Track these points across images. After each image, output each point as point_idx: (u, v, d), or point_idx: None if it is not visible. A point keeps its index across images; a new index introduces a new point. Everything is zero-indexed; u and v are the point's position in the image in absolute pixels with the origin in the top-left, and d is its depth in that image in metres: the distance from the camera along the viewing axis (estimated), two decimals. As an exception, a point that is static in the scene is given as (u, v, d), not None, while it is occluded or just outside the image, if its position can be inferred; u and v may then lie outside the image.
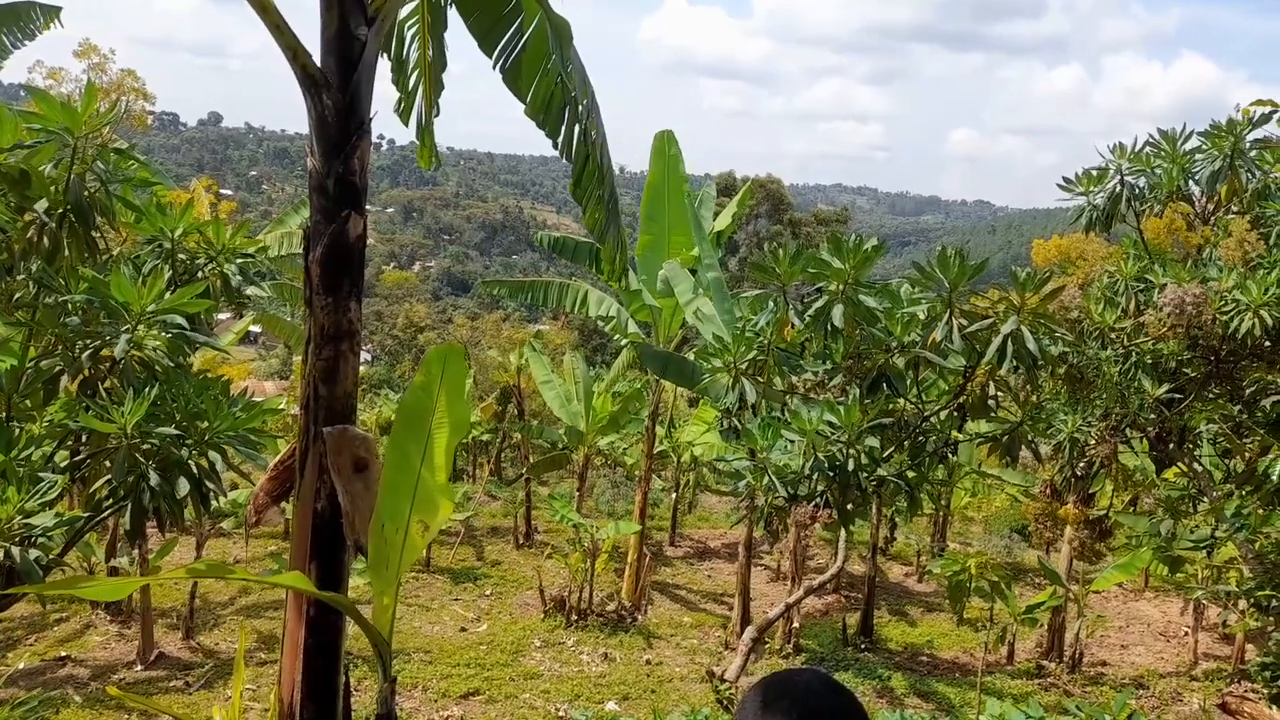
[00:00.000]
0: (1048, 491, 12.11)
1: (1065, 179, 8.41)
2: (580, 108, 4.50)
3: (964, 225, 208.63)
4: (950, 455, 7.24)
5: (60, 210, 4.52)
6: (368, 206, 4.26)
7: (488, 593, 13.92)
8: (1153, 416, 8.02)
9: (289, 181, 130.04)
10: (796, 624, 11.55)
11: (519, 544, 16.77)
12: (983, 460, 14.75)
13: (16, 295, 4.82)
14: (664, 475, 19.99)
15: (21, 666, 9.89)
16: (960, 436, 7.26)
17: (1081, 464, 8.57)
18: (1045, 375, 7.87)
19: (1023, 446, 7.07)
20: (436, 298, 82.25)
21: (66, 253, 4.68)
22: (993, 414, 7.01)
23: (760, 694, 1.25)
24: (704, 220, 14.44)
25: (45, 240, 4.63)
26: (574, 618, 12.36)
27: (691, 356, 12.33)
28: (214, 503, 4.39)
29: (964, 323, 6.64)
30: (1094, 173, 8.33)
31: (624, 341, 15.19)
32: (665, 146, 14.32)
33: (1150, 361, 7.94)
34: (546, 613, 12.59)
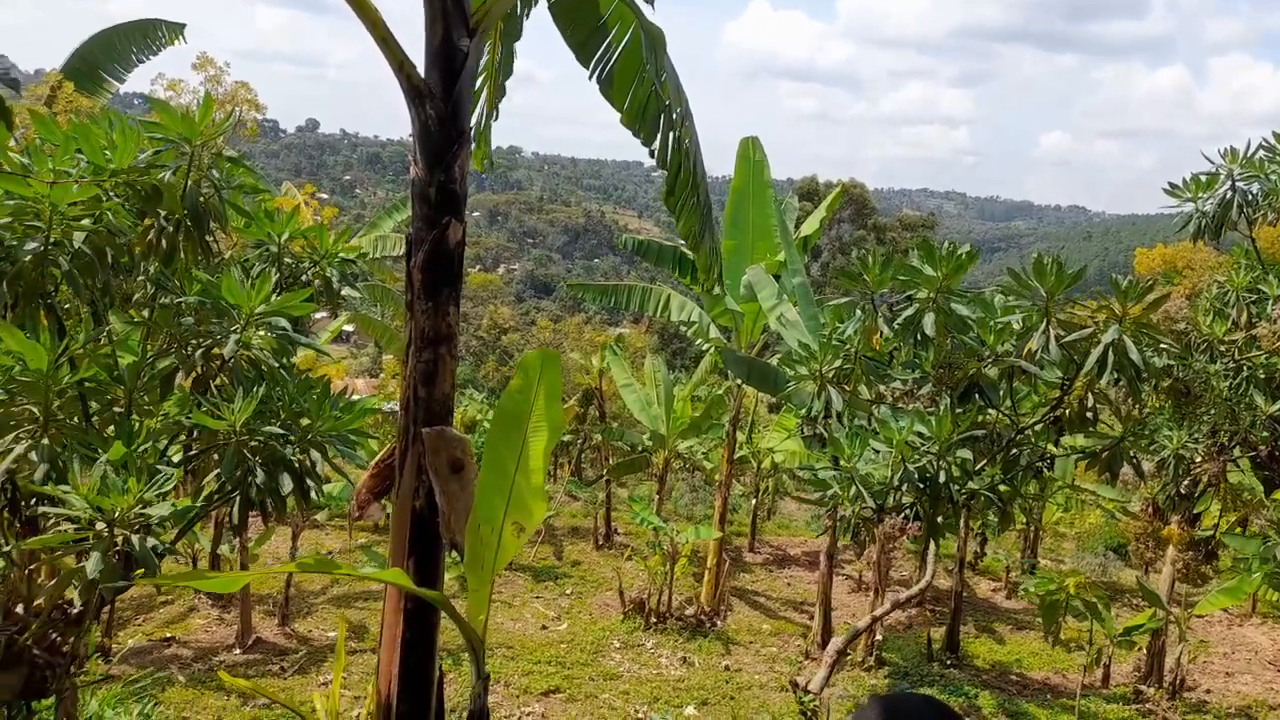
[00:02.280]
0: (1150, 510, 11.61)
1: (1171, 184, 8.06)
2: (675, 115, 4.52)
3: (1057, 231, 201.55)
4: (1045, 470, 7.01)
5: (178, 216, 4.76)
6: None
7: (568, 592, 14.06)
8: (1265, 434, 7.62)
9: (380, 185, 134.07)
10: (879, 636, 11.33)
11: (599, 545, 16.89)
12: (1079, 476, 14.23)
13: (135, 296, 5.11)
14: (743, 481, 19.86)
15: (131, 645, 10.43)
16: (1056, 451, 7.04)
17: (1186, 482, 8.21)
18: (1148, 388, 7.57)
19: (1124, 462, 6.81)
20: (520, 300, 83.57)
21: (182, 256, 4.92)
22: (1091, 428, 6.78)
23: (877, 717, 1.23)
24: (789, 225, 14.31)
25: (163, 243, 4.87)
26: (653, 620, 12.38)
27: (775, 362, 12.24)
28: (313, 497, 4.58)
29: (1061, 332, 6.44)
30: (1203, 178, 7.95)
31: (706, 346, 15.16)
32: (750, 152, 14.24)
33: (1263, 376, 7.55)
34: (626, 614, 12.64)
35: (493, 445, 3.33)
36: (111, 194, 4.30)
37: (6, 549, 3.89)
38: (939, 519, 6.07)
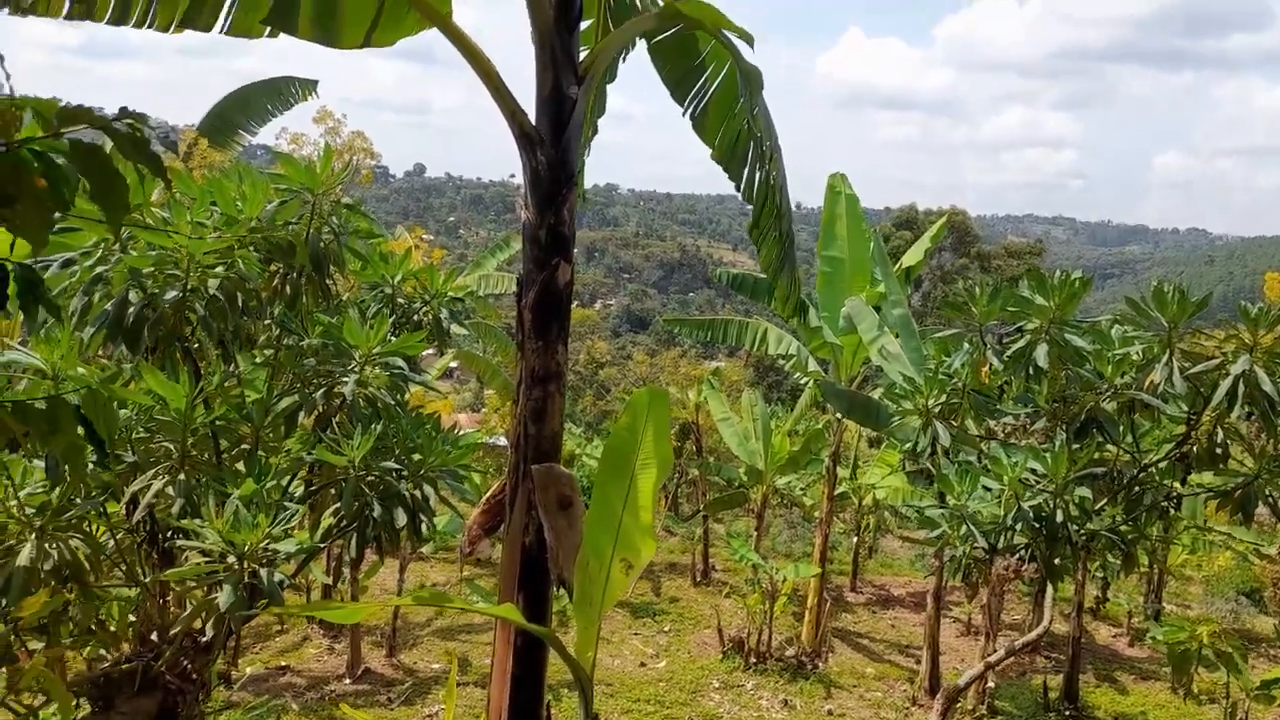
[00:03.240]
0: (1288, 553, 10.81)
1: (1305, 206, 7.59)
2: (764, 149, 4.54)
3: (1176, 255, 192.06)
4: (1172, 510, 6.63)
5: (301, 262, 5.03)
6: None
7: (666, 629, 13.97)
8: None
9: (483, 225, 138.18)
10: (992, 684, 10.85)
11: (696, 581, 16.75)
12: (1209, 516, 13.38)
13: (261, 338, 5.40)
14: (844, 518, 19.43)
15: (249, 673, 10.86)
16: (1183, 490, 6.65)
17: (1331, 523, 7.62)
18: (1285, 423, 7.10)
19: (1259, 502, 6.38)
20: (616, 334, 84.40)
21: (304, 299, 5.19)
22: (1222, 465, 6.39)
23: None
24: (885, 256, 14.09)
25: (287, 288, 5.15)
26: (752, 660, 12.18)
27: (877, 396, 11.99)
28: (425, 531, 4.72)
29: (1186, 364, 6.12)
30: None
31: (804, 380, 14.98)
32: (839, 186, 14.15)
33: None
34: (725, 653, 12.48)
35: (601, 483, 3.37)
36: (243, 244, 4.57)
37: (145, 579, 4.13)
38: (1056, 560, 5.80)
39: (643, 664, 12.35)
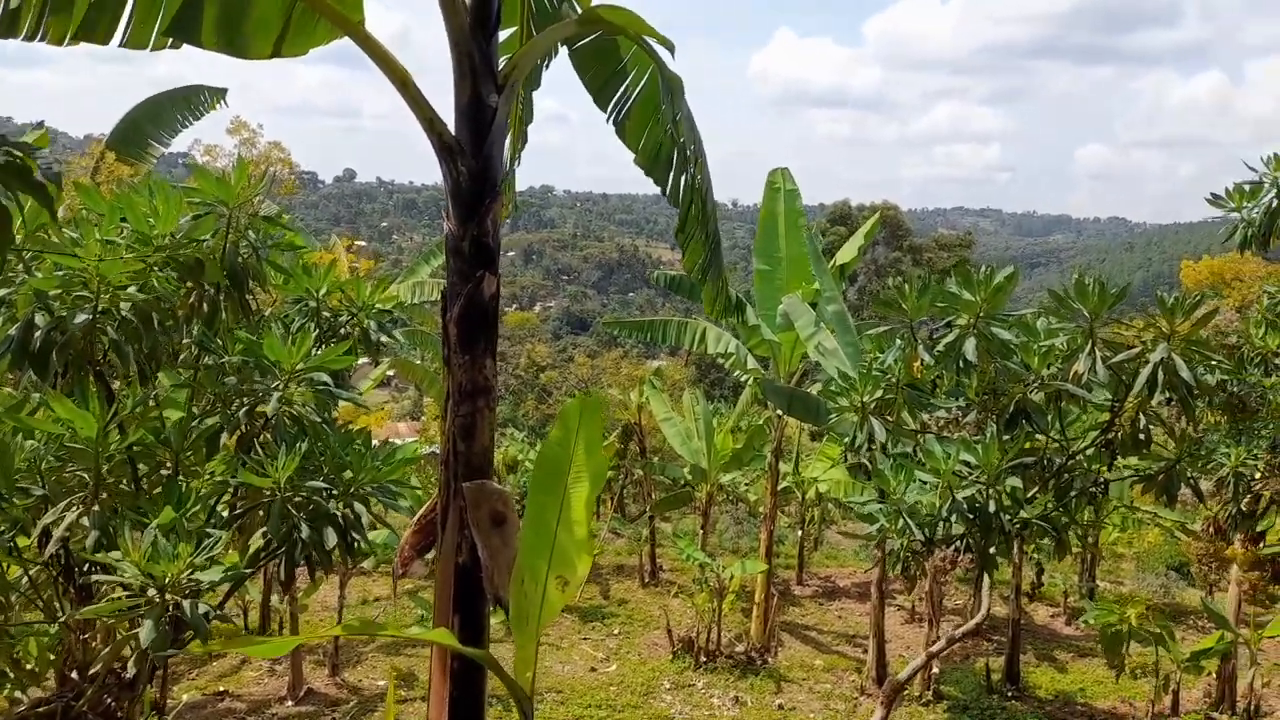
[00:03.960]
0: (1211, 529, 11.23)
1: (1214, 195, 7.88)
2: (688, 153, 4.53)
3: (1098, 244, 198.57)
4: (1100, 495, 6.81)
5: (214, 279, 4.85)
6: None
7: (615, 632, 13.94)
8: (1330, 448, 7.35)
9: (417, 230, 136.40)
10: (937, 669, 11.06)
11: (644, 582, 16.75)
12: (1135, 498, 13.83)
13: (181, 356, 5.21)
14: (788, 511, 19.63)
15: (185, 700, 10.51)
16: (1110, 475, 6.84)
17: (1248, 499, 7.93)
18: (1202, 406, 7.34)
19: (1181, 483, 6.59)
20: (556, 337, 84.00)
21: (224, 315, 5.01)
22: (1145, 450, 6.58)
23: None
24: (820, 253, 14.26)
25: (204, 305, 4.97)
26: (703, 659, 12.21)
27: (815, 391, 12.12)
28: (358, 549, 4.59)
29: (1108, 353, 6.28)
30: (1246, 187, 7.76)
31: (744, 378, 15.08)
32: (781, 182, 14.28)
33: (1324, 388, 7.31)
34: (675, 653, 12.49)
35: (534, 498, 3.31)
36: (156, 263, 4.40)
37: (62, 617, 3.94)
38: (991, 549, 5.91)
39: (593, 668, 12.29)
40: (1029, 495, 6.21)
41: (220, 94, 10.52)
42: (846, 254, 15.28)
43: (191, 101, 10.39)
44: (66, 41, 2.99)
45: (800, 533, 18.18)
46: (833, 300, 12.70)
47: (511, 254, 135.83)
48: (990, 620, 13.84)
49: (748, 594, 14.40)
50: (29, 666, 4.04)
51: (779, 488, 14.32)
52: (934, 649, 6.85)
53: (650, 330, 15.97)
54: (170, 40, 3.26)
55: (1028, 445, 6.47)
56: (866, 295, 43.99)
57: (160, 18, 3.20)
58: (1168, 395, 6.20)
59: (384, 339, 6.06)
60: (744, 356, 14.28)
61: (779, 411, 13.22)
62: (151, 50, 3.21)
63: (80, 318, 4.28)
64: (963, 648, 13.44)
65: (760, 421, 16.94)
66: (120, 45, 3.10)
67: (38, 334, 4.26)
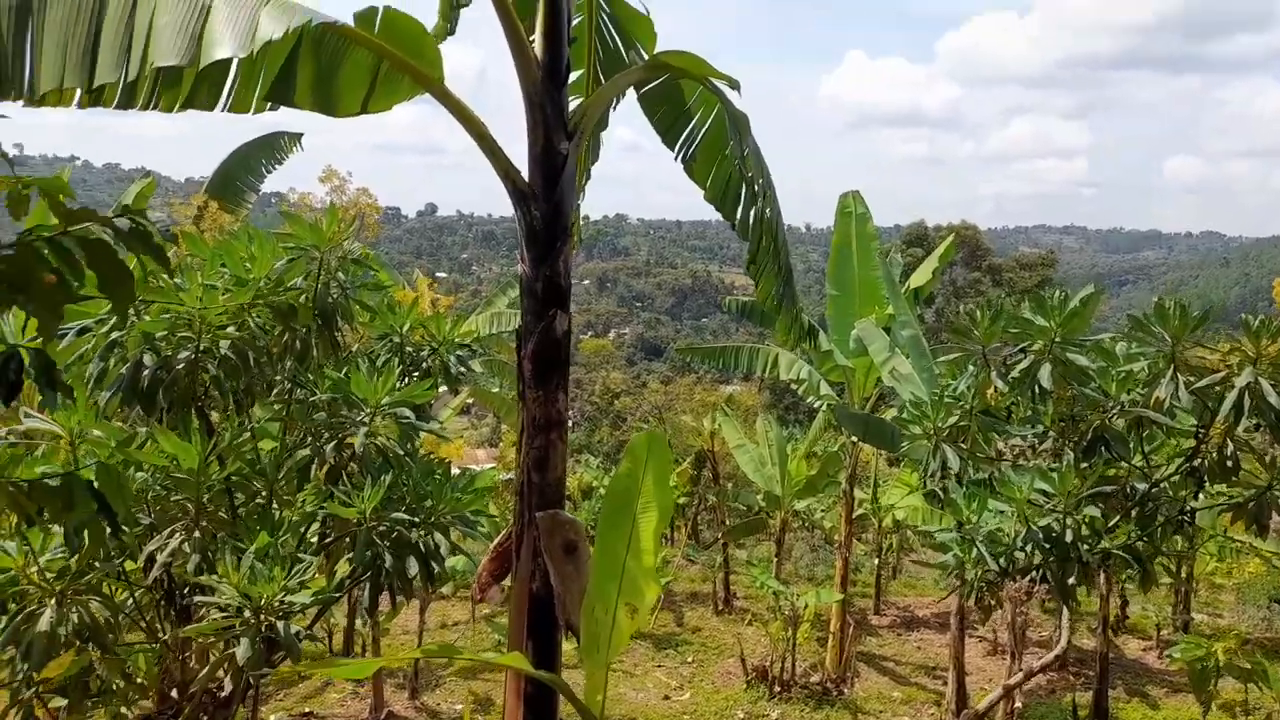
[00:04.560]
0: (1312, 560, 10.67)
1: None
2: (756, 188, 4.64)
3: (1190, 260, 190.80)
4: (1188, 523, 6.61)
5: (305, 322, 5.15)
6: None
7: (689, 660, 13.91)
8: None
9: (495, 262, 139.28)
10: (1019, 703, 10.73)
11: (718, 610, 16.68)
12: (1226, 526, 13.25)
13: (275, 391, 5.52)
14: (865, 539, 19.32)
15: (273, 719, 10.90)
16: (1198, 503, 6.62)
17: (1351, 530, 7.56)
18: (1296, 431, 7.06)
19: (1272, 512, 6.35)
20: (631, 363, 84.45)
21: (315, 353, 5.30)
22: (1234, 477, 6.37)
23: None
24: (894, 277, 14.16)
25: (297, 343, 5.27)
26: (777, 689, 12.10)
27: (890, 417, 12.00)
28: (437, 577, 4.78)
29: (1191, 378, 6.12)
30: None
31: (817, 404, 14.99)
32: (852, 206, 14.25)
33: None
34: (749, 683, 12.41)
35: (604, 528, 3.44)
36: (252, 305, 4.70)
37: (164, 636, 4.22)
38: (1069, 580, 5.78)
39: (666, 696, 12.30)
40: (1110, 525, 6.06)
41: (297, 138, 11.18)
42: (921, 277, 15.12)
43: (273, 147, 11.07)
44: (176, 109, 3.28)
45: (877, 561, 17.87)
46: (907, 324, 12.57)
47: (586, 282, 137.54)
48: (1078, 654, 13.38)
49: (823, 623, 14.23)
50: (139, 680, 4.31)
51: (855, 515, 14.16)
52: (1012, 681, 6.71)
53: (723, 356, 16.04)
54: (269, 104, 3.53)
55: (1109, 473, 6.32)
56: (944, 318, 43.10)
57: (260, 84, 3.48)
58: (1256, 421, 6.01)
59: (462, 371, 6.32)
60: (817, 382, 14.22)
61: (854, 438, 13.11)
62: (253, 113, 3.48)
63: (184, 356, 4.60)
64: (1049, 682, 13.02)
65: (835, 448, 16.78)
66: (223, 111, 3.38)
67: (145, 373, 4.61)
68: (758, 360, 15.47)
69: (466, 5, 5.18)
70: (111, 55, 2.98)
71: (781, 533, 17.16)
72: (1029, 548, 5.73)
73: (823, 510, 18.79)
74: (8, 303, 1.85)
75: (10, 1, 3.03)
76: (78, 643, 3.62)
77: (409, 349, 6.16)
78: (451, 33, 5.59)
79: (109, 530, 2.99)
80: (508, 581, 3.77)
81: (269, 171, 11.17)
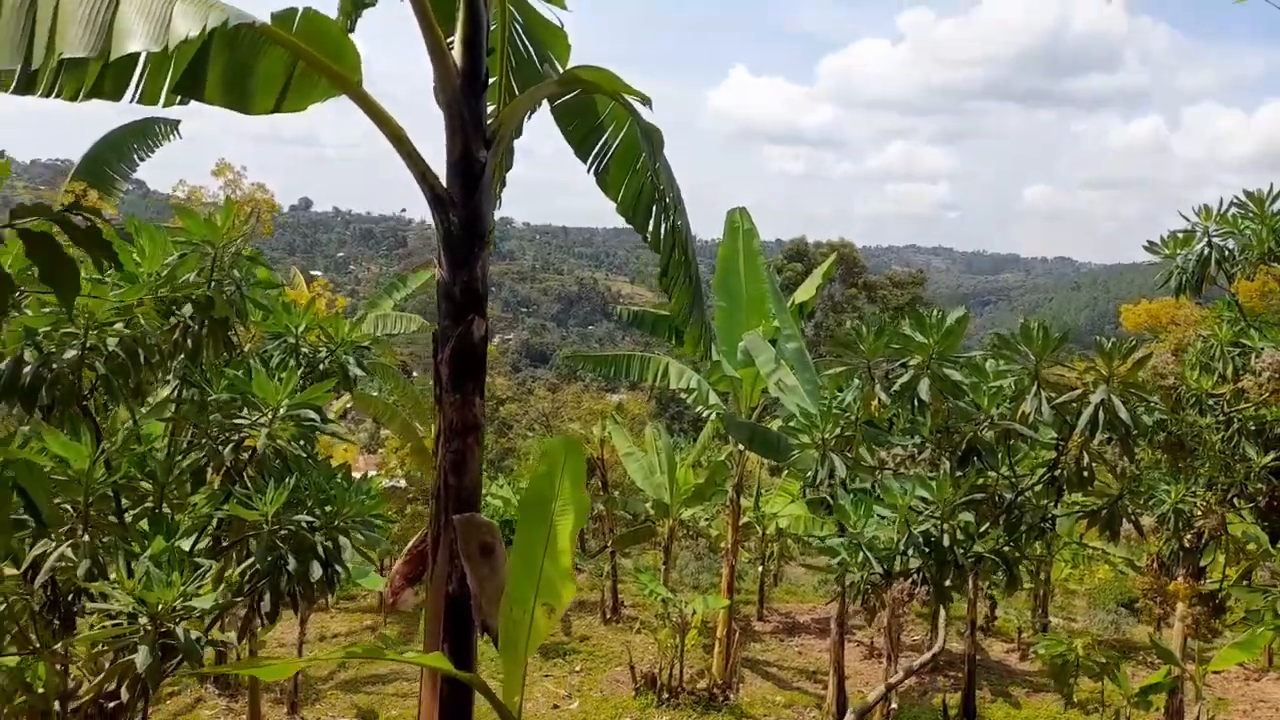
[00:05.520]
0: (1155, 565, 11.63)
1: (1150, 242, 8.35)
2: (667, 200, 4.80)
3: (1046, 283, 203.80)
4: (1049, 529, 7.14)
5: (203, 316, 4.99)
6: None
7: (577, 669, 13.96)
8: (1261, 485, 7.77)
9: (373, 261, 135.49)
10: (894, 704, 11.27)
11: (606, 618, 16.80)
12: (1083, 534, 14.29)
13: (163, 393, 5.31)
14: (748, 547, 19.83)
15: (139, 739, 10.33)
16: (1057, 511, 7.16)
17: (1189, 536, 8.31)
18: (1142, 445, 7.72)
19: (1124, 519, 6.93)
20: (516, 370, 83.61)
21: (206, 352, 5.13)
22: (1090, 486, 6.92)
23: None
24: (779, 291, 14.66)
25: (188, 342, 5.09)
26: (665, 695, 12.30)
27: (775, 426, 12.41)
28: (338, 582, 4.71)
29: (1052, 394, 6.64)
30: (1180, 235, 8.22)
31: (706, 412, 15.34)
32: (739, 222, 14.70)
33: (1254, 428, 7.74)
34: (638, 690, 12.56)
35: (522, 530, 3.49)
36: (145, 301, 4.53)
37: (50, 645, 4.01)
38: (946, 582, 6.18)
39: (555, 706, 12.31)
40: (981, 530, 6.49)
41: (174, 126, 10.74)
42: (805, 292, 15.71)
43: (147, 134, 10.61)
44: (81, 98, 3.17)
45: (761, 568, 18.37)
46: (792, 338, 13.06)
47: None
48: (947, 656, 14.13)
49: (710, 630, 14.54)
50: (39, 689, 4.04)
51: (740, 523, 14.54)
52: (893, 681, 7.08)
53: (613, 365, 16.20)
54: (179, 97, 3.44)
55: (979, 481, 6.77)
56: (823, 331, 44.61)
57: (169, 77, 3.39)
58: (1109, 435, 6.55)
59: (359, 374, 6.22)
60: (705, 392, 14.56)
61: (740, 447, 13.48)
62: (163, 106, 3.39)
63: (69, 354, 4.39)
64: (920, 684, 13.70)
65: (722, 457, 17.19)
66: (131, 102, 3.28)
67: (26, 370, 4.37)
68: (648, 369, 15.71)
69: (371, 5, 5.15)
70: (11, 42, 2.87)
71: (669, 540, 17.43)
72: (910, 551, 6.09)
73: (707, 518, 19.18)
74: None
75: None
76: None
77: (304, 350, 6.02)
78: (350, 31, 5.52)
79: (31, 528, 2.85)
80: (420, 587, 3.77)
81: (142, 159, 10.69)
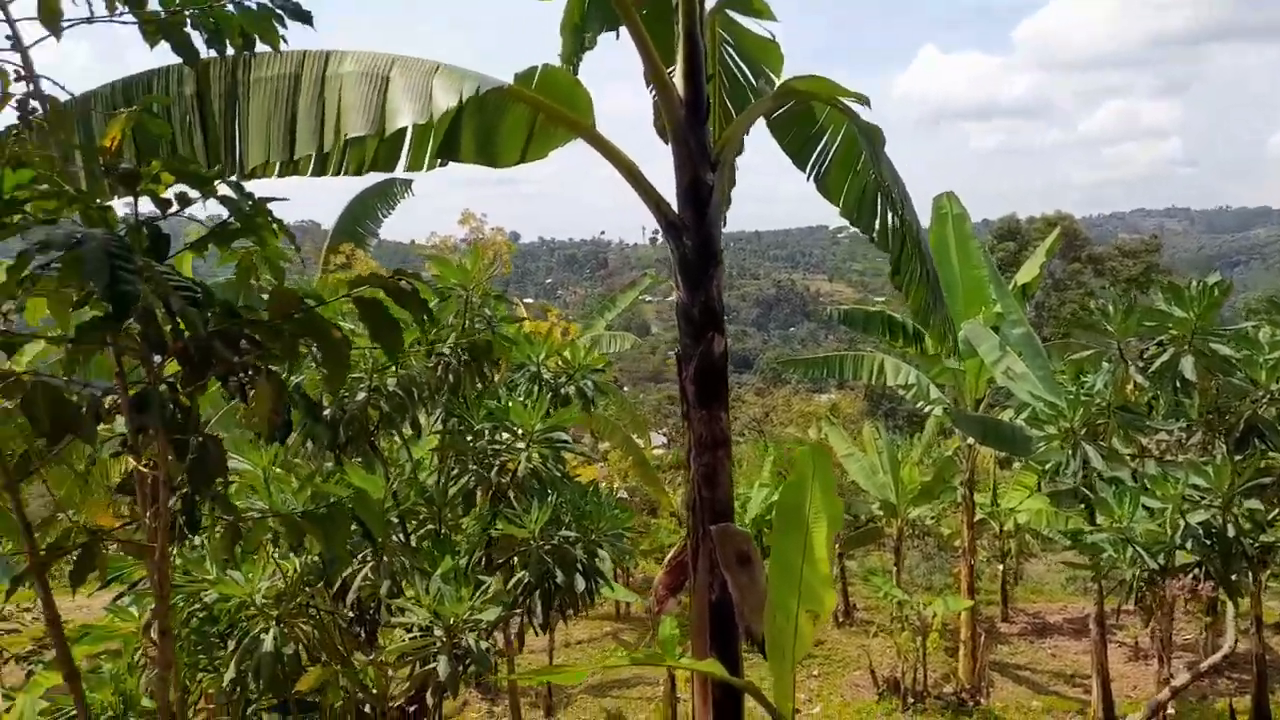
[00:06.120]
0: None
1: None
2: (893, 196, 4.72)
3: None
4: (1352, 513, 6.34)
5: (463, 354, 5.47)
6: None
7: (815, 673, 13.84)
8: None
9: (579, 284, 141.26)
10: (1172, 709, 10.34)
11: (839, 622, 16.54)
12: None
13: (433, 425, 5.86)
14: (981, 544, 18.84)
15: (419, 740, 11.34)
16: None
17: None
18: None
19: None
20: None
21: (464, 386, 5.62)
22: (1402, 463, 6.09)
23: None
24: (999, 275, 13.90)
25: (450, 377, 5.60)
26: (910, 700, 11.95)
27: (1006, 418, 11.77)
28: (599, 593, 5.00)
29: (1347, 362, 5.91)
30: None
31: (927, 408, 14.79)
32: (948, 206, 14.09)
33: None
34: (880, 694, 12.29)
35: (778, 539, 3.58)
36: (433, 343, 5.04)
37: (366, 657, 4.54)
38: (1233, 576, 5.63)
39: (797, 710, 12.27)
40: (1270, 518, 5.88)
41: (408, 185, 11.90)
42: (1028, 273, 14.80)
43: (387, 194, 11.81)
44: (364, 171, 3.61)
45: (1001, 567, 17.42)
46: (1018, 323, 12.33)
47: (671, 299, 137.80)
48: (1227, 657, 12.78)
49: (951, 632, 13.98)
50: (373, 690, 4.56)
51: (975, 520, 13.89)
52: (1177, 683, 6.52)
53: (825, 366, 15.99)
54: (440, 160, 3.85)
55: (1263, 465, 6.14)
56: (1045, 312, 41.58)
57: (431, 144, 3.79)
58: None
59: (596, 395, 6.57)
60: (926, 387, 14.05)
61: (969, 441, 12.90)
62: (426, 171, 3.80)
63: (360, 396, 4.96)
64: (1198, 687, 12.46)
65: (948, 453, 16.49)
66: (403, 170, 3.71)
67: (325, 412, 4.98)
68: (862, 367, 15.37)
69: (591, 49, 5.45)
70: (307, 131, 3.34)
71: (898, 541, 16.92)
72: (1187, 544, 5.62)
73: (933, 517, 18.42)
74: (294, 355, 2.13)
75: (220, 89, 3.42)
76: (305, 659, 3.95)
77: (546, 377, 6.44)
78: (574, 73, 5.88)
79: (369, 550, 3.27)
80: (684, 595, 3.95)
81: (385, 216, 11.91)
